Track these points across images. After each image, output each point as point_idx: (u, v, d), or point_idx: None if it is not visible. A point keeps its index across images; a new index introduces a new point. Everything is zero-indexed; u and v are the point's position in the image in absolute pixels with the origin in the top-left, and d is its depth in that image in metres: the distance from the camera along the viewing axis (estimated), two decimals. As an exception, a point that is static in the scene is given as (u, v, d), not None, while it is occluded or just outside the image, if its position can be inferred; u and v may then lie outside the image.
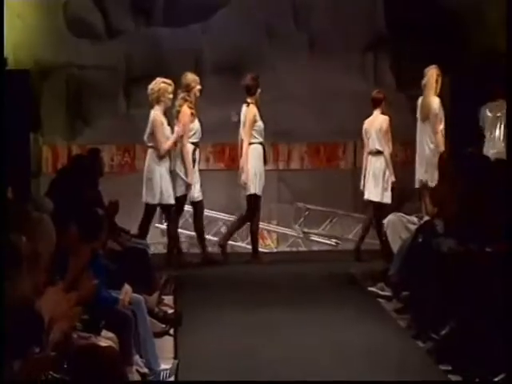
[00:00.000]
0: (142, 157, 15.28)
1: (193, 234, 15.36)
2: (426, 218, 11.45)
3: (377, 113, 13.70)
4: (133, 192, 13.20)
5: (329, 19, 15.48)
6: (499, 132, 13.14)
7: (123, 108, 15.50)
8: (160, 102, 13.11)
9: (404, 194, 14.37)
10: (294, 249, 15.54)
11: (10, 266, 5.73)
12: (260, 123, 13.54)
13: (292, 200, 15.80)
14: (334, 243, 15.49)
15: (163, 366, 8.29)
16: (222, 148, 15.63)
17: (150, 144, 13.18)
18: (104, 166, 12.30)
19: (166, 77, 15.10)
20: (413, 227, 11.45)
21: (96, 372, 6.06)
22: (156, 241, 14.42)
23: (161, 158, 13.04)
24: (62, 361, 5.87)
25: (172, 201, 13.00)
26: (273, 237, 15.78)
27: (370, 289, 11.76)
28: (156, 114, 13.11)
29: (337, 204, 15.62)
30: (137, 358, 7.90)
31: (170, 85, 13.28)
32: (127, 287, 8.33)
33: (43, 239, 6.92)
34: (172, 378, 8.28)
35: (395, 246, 11.50)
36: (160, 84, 13.24)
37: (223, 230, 15.61)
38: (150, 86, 13.14)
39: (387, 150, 13.47)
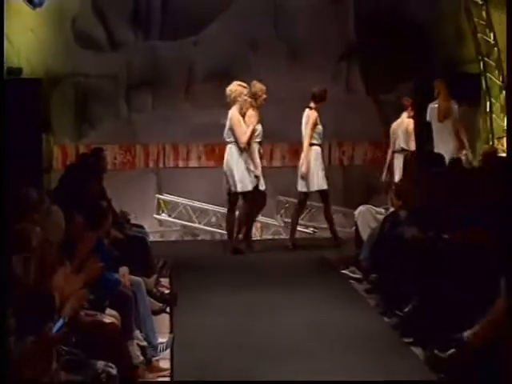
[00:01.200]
0: (141, 155, 15.38)
1: (186, 223, 15.47)
2: (392, 209, 11.45)
3: (404, 116, 13.82)
4: (133, 187, 13.21)
5: (306, 32, 15.42)
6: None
7: (124, 112, 15.46)
8: (236, 102, 13.26)
9: (372, 188, 14.43)
10: (276, 237, 15.54)
11: (23, 252, 5.81)
12: (320, 127, 13.60)
13: (274, 194, 15.73)
14: (311, 231, 15.47)
15: (160, 340, 8.31)
16: (212, 148, 15.53)
17: (228, 139, 13.33)
18: (107, 164, 12.26)
19: (162, 84, 15.24)
20: (380, 217, 11.53)
21: (101, 345, 6.14)
22: (154, 230, 14.42)
23: (241, 150, 13.20)
24: (71, 335, 5.91)
25: (250, 188, 13.22)
26: (257, 226, 15.76)
27: (343, 271, 11.78)
28: (234, 112, 13.25)
29: (313, 197, 15.60)
30: (137, 332, 7.86)
31: (245, 87, 13.36)
32: (124, 269, 8.39)
33: (53, 228, 6.99)
34: (168, 351, 8.26)
35: (365, 234, 11.59)
36: (236, 86, 13.35)
37: (213, 220, 15.61)
38: (228, 88, 13.29)
39: (412, 148, 13.65)
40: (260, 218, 15.75)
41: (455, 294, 7.92)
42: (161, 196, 15.56)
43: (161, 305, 9.76)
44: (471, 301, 7.61)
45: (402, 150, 13.55)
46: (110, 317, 6.98)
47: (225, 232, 15.32)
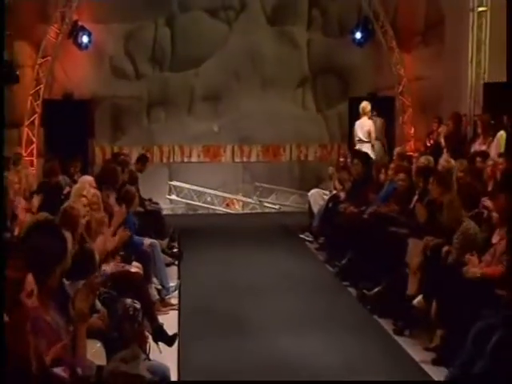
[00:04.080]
0: (157, 154, 15.33)
1: (189, 201, 15.44)
2: (334, 192, 11.41)
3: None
4: (152, 176, 13.10)
5: (274, 68, 15.30)
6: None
7: (145, 123, 15.33)
8: (365, 115, 12.74)
9: (320, 177, 14.43)
10: (253, 211, 15.55)
11: (71, 224, 5.79)
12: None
13: (252, 181, 15.63)
14: (277, 208, 15.50)
15: (171, 284, 8.28)
16: (208, 148, 15.48)
17: (365, 139, 12.68)
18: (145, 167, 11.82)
19: (172, 103, 15.18)
20: (326, 197, 11.50)
21: (129, 287, 6.14)
22: (167, 206, 14.36)
23: (373, 146, 12.69)
24: (108, 281, 5.96)
25: None
26: (240, 204, 15.73)
27: (300, 235, 11.76)
28: (367, 121, 12.71)
29: (279, 183, 15.62)
30: (154, 279, 7.92)
31: (368, 104, 12.83)
32: (146, 239, 8.31)
33: (97, 207, 6.95)
34: (176, 292, 8.25)
35: (315, 209, 11.56)
36: (364, 103, 12.83)
37: (209, 199, 15.56)
38: (361, 105, 12.78)
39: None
40: (241, 197, 15.73)
41: (375, 249, 7.96)
42: (171, 182, 15.49)
43: (171, 259, 9.77)
44: (385, 253, 7.65)
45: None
46: (135, 267, 6.97)
47: (216, 207, 15.40)
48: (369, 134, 12.74)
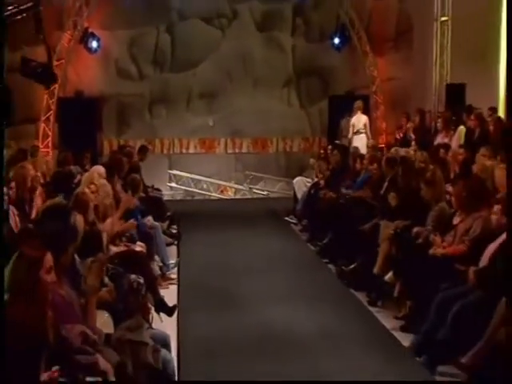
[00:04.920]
0: (158, 146, 15.29)
1: (186, 188, 15.41)
2: (315, 179, 11.39)
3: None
4: (154, 165, 13.04)
5: (262, 69, 15.26)
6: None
7: (148, 118, 15.25)
8: (359, 110, 12.91)
9: (304, 166, 14.38)
10: (244, 197, 15.53)
11: (82, 209, 5.75)
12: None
13: (243, 170, 15.57)
14: (266, 193, 15.49)
15: (171, 261, 8.28)
16: (204, 141, 15.41)
17: (362, 131, 12.85)
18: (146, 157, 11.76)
19: (172, 100, 15.13)
20: (309, 184, 11.48)
21: (134, 264, 6.13)
22: (167, 193, 14.31)
23: (367, 134, 12.82)
24: (115, 258, 5.96)
25: None
26: (232, 190, 15.71)
27: (286, 218, 11.74)
28: (362, 116, 12.95)
29: (267, 172, 15.61)
30: (156, 257, 7.90)
31: (361, 102, 13.07)
32: (148, 218, 8.37)
33: (106, 194, 6.96)
34: (175, 268, 8.23)
35: (299, 195, 11.54)
36: (358, 102, 13.03)
37: (204, 186, 15.53)
38: (356, 104, 12.96)
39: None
40: (233, 184, 15.71)
41: (351, 231, 7.96)
42: (171, 171, 15.42)
43: (171, 240, 9.72)
44: (360, 234, 7.66)
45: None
46: (139, 247, 6.97)
47: (211, 193, 15.37)
48: (365, 126, 12.95)
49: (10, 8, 3.11)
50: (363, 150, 11.13)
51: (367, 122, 13.00)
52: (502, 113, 11.22)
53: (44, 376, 3.13)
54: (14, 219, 6.18)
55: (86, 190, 6.15)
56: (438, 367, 5.19)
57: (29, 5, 2.99)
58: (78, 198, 5.81)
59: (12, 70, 10.41)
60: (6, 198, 5.62)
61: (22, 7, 2.95)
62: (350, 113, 13.21)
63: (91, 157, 11.71)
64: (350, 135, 12.98)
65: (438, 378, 5.12)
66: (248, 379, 5.14)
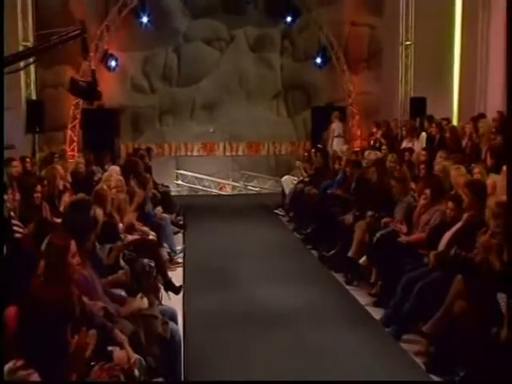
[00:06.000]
0: (167, 149, 15.22)
1: (191, 185, 15.36)
2: (301, 178, 11.30)
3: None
4: (163, 166, 13.05)
5: (255, 84, 15.24)
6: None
7: (158, 126, 15.19)
8: (335, 119, 12.95)
9: (291, 166, 14.29)
10: (240, 193, 15.48)
11: (101, 202, 5.73)
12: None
13: (239, 170, 15.53)
14: (258, 190, 15.43)
15: (177, 248, 8.24)
16: (205, 145, 15.35)
17: (342, 135, 12.93)
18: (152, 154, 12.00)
19: (178, 111, 15.11)
20: (295, 182, 11.36)
21: (146, 250, 6.10)
22: (175, 189, 14.27)
23: (344, 138, 13.00)
24: (130, 246, 5.90)
25: None
26: (230, 187, 15.66)
27: (275, 211, 11.68)
28: (340, 123, 12.99)
29: (260, 171, 15.58)
30: (165, 244, 7.86)
31: (339, 113, 13.11)
32: (159, 208, 8.33)
33: (121, 189, 6.92)
34: (182, 254, 8.18)
35: (287, 191, 11.43)
36: (336, 113, 13.08)
37: (207, 183, 15.50)
38: (334, 114, 12.99)
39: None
40: (231, 182, 15.67)
41: (331, 221, 7.93)
42: (178, 171, 15.40)
43: (178, 229, 9.69)
44: (338, 224, 7.63)
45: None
46: (150, 235, 6.93)
47: (212, 190, 15.33)
48: (343, 131, 13.14)
49: (62, 34, 3.10)
50: (341, 153, 11.12)
51: (343, 128, 13.09)
52: (455, 122, 11.32)
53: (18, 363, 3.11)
54: (46, 212, 6.16)
55: (105, 187, 6.12)
56: (403, 335, 5.22)
57: (77, 32, 3.00)
58: (98, 194, 5.80)
59: (45, 85, 10.37)
60: (5, 198, 5.51)
61: (70, 34, 2.96)
62: (330, 122, 13.20)
63: (110, 159, 11.68)
64: (330, 140, 12.97)
65: (403, 345, 5.15)
66: (241, 343, 5.13)
